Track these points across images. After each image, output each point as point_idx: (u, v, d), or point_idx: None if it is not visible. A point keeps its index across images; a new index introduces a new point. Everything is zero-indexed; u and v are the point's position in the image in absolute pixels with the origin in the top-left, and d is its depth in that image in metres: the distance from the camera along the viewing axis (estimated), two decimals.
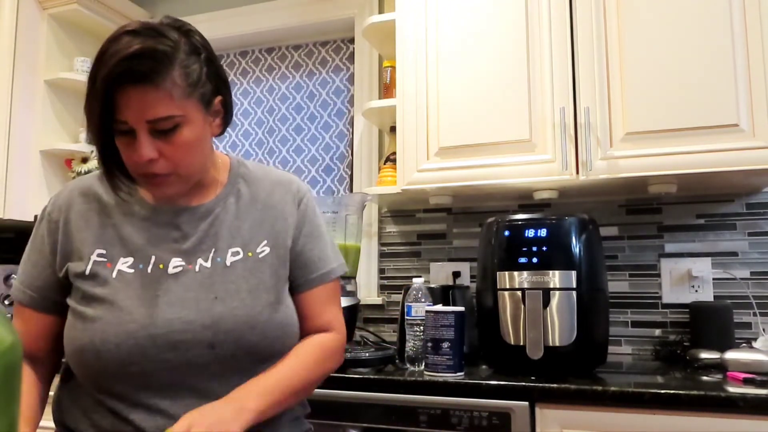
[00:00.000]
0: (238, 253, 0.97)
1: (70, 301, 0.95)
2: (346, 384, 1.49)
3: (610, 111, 1.65)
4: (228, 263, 0.96)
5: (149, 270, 0.93)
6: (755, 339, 1.69)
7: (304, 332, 1.03)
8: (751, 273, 1.82)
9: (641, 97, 1.63)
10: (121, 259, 0.93)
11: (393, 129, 2.03)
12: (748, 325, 1.80)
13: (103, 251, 0.94)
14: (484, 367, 1.62)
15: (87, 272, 0.93)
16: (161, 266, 0.94)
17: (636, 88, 1.63)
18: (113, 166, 0.93)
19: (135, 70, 0.82)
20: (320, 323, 1.04)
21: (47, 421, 0.98)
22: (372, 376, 1.47)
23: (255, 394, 0.89)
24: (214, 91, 0.93)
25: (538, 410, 1.36)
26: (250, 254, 0.98)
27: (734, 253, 1.84)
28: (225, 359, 0.91)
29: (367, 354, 1.58)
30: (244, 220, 1.00)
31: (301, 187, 1.08)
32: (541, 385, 1.35)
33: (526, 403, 1.36)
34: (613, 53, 1.67)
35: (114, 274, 0.92)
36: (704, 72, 1.58)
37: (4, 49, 2.28)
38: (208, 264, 0.95)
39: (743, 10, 1.56)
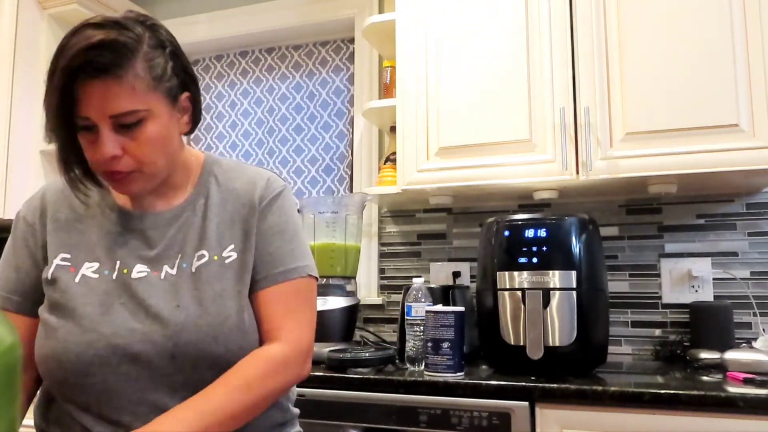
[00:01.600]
0: (203, 256, 0.92)
1: (39, 310, 0.92)
2: (346, 384, 1.49)
3: (610, 111, 1.65)
4: (194, 269, 0.91)
5: (114, 276, 0.90)
6: (755, 339, 1.69)
7: (259, 337, 0.94)
8: (751, 273, 1.82)
9: (641, 97, 1.63)
10: (86, 264, 0.91)
11: (393, 129, 2.03)
12: (748, 325, 1.80)
13: (68, 255, 0.92)
14: (484, 367, 1.62)
15: (49, 277, 0.91)
16: (125, 271, 0.91)
17: (636, 88, 1.63)
18: (75, 167, 0.90)
19: (95, 62, 0.79)
20: (269, 328, 0.93)
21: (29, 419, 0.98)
22: (372, 376, 1.47)
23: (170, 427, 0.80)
24: (181, 87, 0.90)
25: (538, 410, 1.36)
26: (215, 258, 0.92)
27: (734, 253, 1.84)
28: (187, 370, 0.87)
29: (367, 354, 1.58)
30: (212, 221, 0.95)
31: (273, 183, 1.00)
32: (541, 385, 1.35)
33: (526, 403, 1.36)
34: (613, 53, 1.67)
35: (77, 279, 0.90)
36: (704, 72, 1.58)
37: (4, 49, 2.28)
38: (174, 271, 0.91)
39: (743, 11, 1.57)
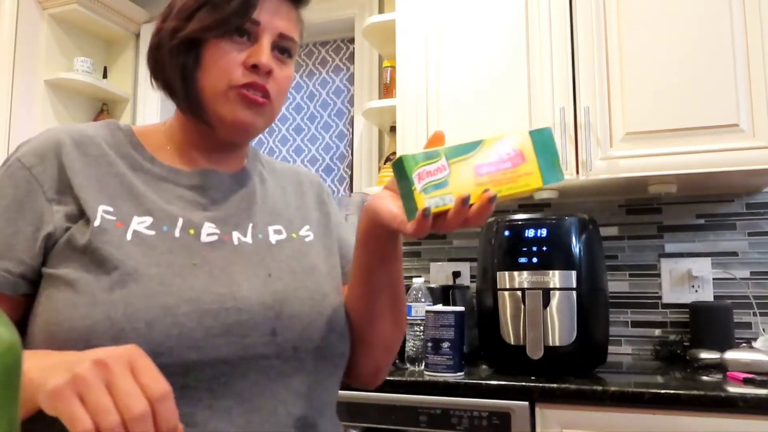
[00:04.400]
0: (280, 231, 0.80)
1: (63, 271, 0.67)
2: (346, 384, 1.48)
3: (610, 111, 1.65)
4: (273, 241, 0.78)
5: (177, 234, 0.71)
6: (755, 339, 1.69)
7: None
8: (751, 273, 1.82)
9: (641, 97, 1.63)
10: (136, 218, 0.71)
11: (393, 129, 2.03)
12: (748, 325, 1.80)
13: (110, 208, 0.70)
14: (484, 367, 1.62)
15: (96, 225, 0.68)
16: (192, 231, 0.72)
17: (636, 88, 1.63)
18: (189, 82, 0.75)
19: None
20: None
21: None
22: None
23: None
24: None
25: (538, 410, 1.36)
26: (294, 236, 0.81)
27: (734, 253, 1.84)
28: (286, 352, 0.71)
29: None
30: (278, 201, 0.85)
31: (318, 178, 0.97)
32: (541, 385, 1.35)
33: (526, 403, 1.36)
34: (613, 53, 1.67)
35: (129, 236, 0.69)
36: (704, 72, 1.58)
37: (4, 49, 2.28)
38: (249, 239, 0.76)
39: (743, 11, 1.57)
